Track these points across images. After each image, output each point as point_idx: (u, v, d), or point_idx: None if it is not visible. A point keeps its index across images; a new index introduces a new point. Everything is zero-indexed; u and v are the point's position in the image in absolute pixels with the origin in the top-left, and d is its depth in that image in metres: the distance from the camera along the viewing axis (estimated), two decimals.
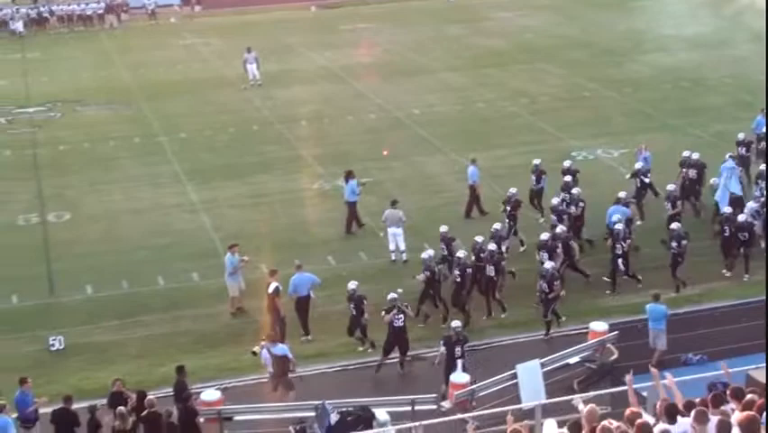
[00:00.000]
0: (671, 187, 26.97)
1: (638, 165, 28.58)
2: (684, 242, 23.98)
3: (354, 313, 22.01)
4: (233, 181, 33.10)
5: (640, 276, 24.43)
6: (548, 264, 22.73)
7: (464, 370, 19.79)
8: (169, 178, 33.79)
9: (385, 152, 33.34)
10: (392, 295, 21.27)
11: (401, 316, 21.01)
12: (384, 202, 27.76)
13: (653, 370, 13.03)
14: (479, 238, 24.03)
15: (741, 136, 30.43)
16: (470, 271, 23.16)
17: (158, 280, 26.12)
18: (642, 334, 21.74)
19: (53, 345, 22.76)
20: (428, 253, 23.37)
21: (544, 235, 24.02)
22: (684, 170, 28.36)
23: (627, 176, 28.76)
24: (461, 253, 23.36)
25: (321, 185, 32.58)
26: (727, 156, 28.39)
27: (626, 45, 50.75)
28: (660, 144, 33.29)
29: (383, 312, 21.21)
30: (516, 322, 23.31)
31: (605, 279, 24.71)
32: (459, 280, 23.15)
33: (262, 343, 20.24)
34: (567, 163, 28.72)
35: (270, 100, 42.94)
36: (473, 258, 23.55)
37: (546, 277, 22.49)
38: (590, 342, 21.09)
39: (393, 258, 26.48)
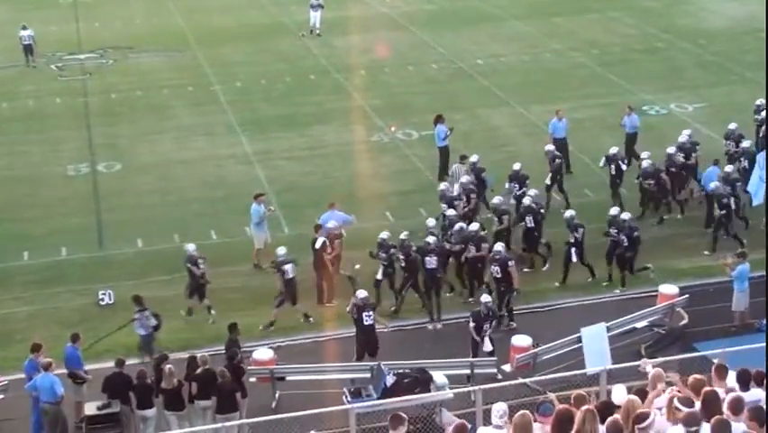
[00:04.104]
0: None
1: (613, 150, 25.66)
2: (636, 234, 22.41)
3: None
4: (289, 132, 32.80)
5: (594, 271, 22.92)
6: (498, 246, 21.21)
7: (491, 345, 19.32)
8: (223, 128, 33.54)
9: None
10: (362, 294, 19.81)
11: (371, 313, 19.62)
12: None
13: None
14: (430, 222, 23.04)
15: None
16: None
17: (210, 234, 25.87)
18: (714, 298, 21.32)
19: (102, 299, 22.79)
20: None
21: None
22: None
23: (601, 163, 26.03)
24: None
25: (379, 137, 32.17)
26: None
27: None
28: (738, 97, 32.56)
29: (347, 307, 20.02)
30: (581, 285, 22.78)
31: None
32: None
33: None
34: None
35: (328, 48, 42.29)
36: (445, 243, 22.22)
37: (499, 260, 20.87)
38: (660, 305, 20.74)
39: None
